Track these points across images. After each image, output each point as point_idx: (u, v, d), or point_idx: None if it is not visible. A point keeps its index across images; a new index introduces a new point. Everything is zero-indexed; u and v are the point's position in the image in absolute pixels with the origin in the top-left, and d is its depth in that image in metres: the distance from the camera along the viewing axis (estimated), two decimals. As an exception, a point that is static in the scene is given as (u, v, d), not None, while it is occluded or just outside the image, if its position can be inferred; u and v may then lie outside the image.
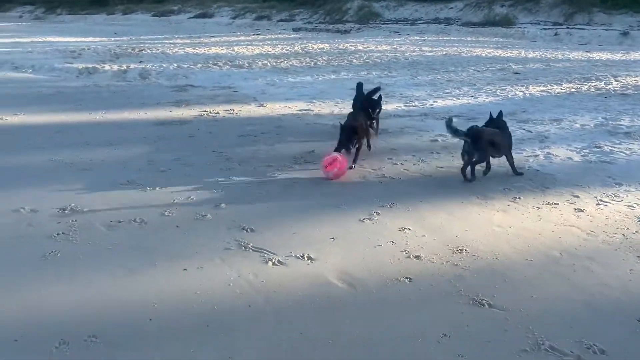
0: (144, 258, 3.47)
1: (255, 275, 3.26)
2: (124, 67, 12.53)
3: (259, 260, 3.47)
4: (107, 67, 12.54)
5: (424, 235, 3.83)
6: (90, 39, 22.23)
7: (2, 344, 2.59)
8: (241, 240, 3.73)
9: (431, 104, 8.69)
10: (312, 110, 8.35)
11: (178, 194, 4.65)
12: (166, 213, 4.23)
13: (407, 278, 3.23)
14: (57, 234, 3.80)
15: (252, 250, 3.59)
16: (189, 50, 15.66)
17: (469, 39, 19.81)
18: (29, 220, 4.07)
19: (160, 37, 23.73)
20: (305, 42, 18.68)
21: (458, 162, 5.60)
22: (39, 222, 4.03)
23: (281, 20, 32.36)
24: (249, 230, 3.91)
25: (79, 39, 21.66)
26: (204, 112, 8.22)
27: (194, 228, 3.99)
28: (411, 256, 3.51)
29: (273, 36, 23.29)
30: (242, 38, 22.39)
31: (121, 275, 3.25)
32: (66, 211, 4.23)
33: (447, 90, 9.81)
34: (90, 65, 12.59)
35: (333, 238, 3.78)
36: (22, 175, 5.21)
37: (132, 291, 3.08)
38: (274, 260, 3.45)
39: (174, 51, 15.26)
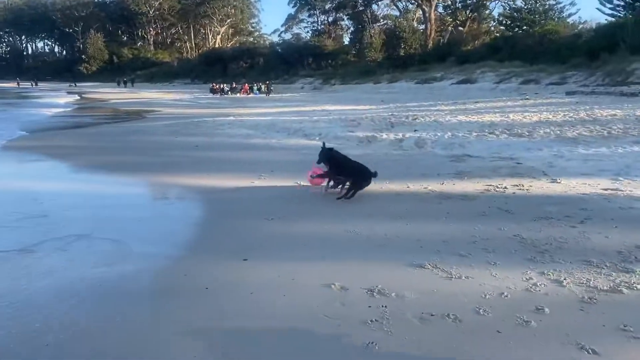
0: (470, 370, 3.03)
1: None
2: (400, 135, 12.90)
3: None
4: (384, 135, 13.09)
5: None
6: (361, 106, 24.10)
7: None
8: (585, 366, 3.01)
9: None
10: (622, 190, 7.11)
11: (489, 289, 4.14)
12: (481, 311, 3.76)
13: None
14: (371, 321, 3.63)
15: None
16: (462, 118, 15.47)
17: None
18: (342, 299, 4.02)
19: (424, 103, 24.44)
20: (587, 107, 16.86)
21: None
22: (351, 303, 3.94)
23: (551, 84, 30.40)
24: (590, 352, 3.16)
25: (351, 107, 23.67)
26: (490, 187, 7.68)
27: (517, 336, 3.41)
28: None
29: (545, 100, 21.81)
30: (509, 103, 21.49)
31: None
32: (374, 293, 4.09)
33: None
34: (369, 134, 13.31)
35: None
36: (324, 246, 5.31)
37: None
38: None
39: (446, 119, 15.26)
